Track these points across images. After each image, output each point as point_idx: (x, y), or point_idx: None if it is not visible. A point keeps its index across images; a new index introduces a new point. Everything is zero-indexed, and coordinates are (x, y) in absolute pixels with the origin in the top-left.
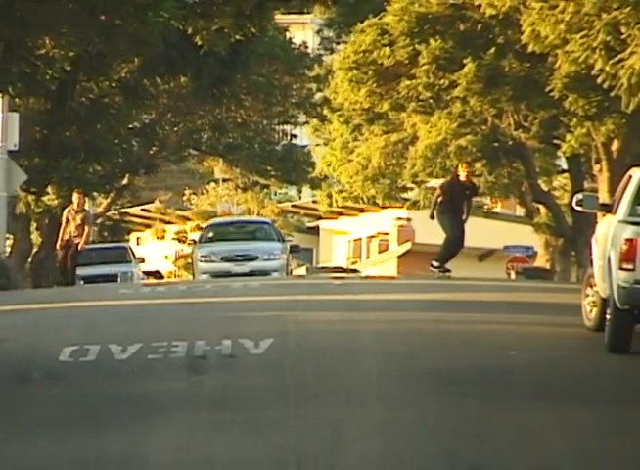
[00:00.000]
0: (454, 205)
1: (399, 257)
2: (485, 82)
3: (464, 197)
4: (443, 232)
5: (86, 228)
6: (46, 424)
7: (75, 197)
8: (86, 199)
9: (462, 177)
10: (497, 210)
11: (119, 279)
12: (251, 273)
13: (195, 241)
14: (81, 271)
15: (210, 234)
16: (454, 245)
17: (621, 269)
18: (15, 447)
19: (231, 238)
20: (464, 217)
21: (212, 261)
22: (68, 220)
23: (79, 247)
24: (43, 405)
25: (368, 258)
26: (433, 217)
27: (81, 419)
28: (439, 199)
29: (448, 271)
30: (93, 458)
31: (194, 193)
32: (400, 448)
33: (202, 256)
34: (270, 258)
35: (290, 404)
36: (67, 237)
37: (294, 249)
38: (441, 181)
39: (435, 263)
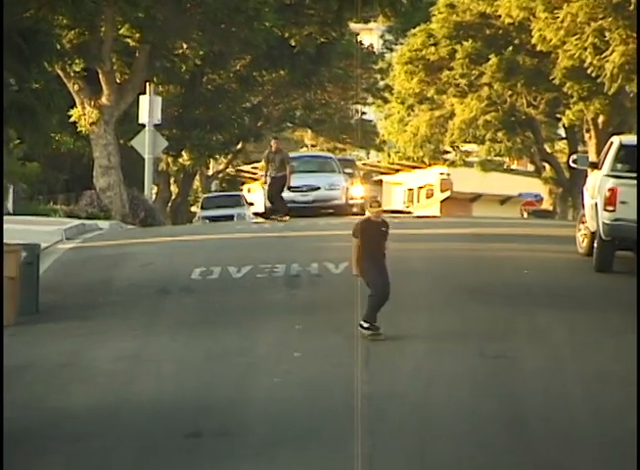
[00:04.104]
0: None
1: (441, 201)
2: (505, 72)
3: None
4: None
5: (287, 167)
6: (183, 324)
7: (273, 142)
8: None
9: (373, 217)
10: (513, 166)
11: (235, 218)
12: (314, 201)
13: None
14: (206, 213)
15: None
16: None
17: (605, 210)
18: (160, 341)
19: (298, 171)
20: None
21: None
22: (268, 161)
23: (286, 182)
24: (180, 311)
25: (418, 202)
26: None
27: (209, 321)
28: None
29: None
30: (219, 349)
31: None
32: (442, 342)
33: None
34: (331, 188)
35: (360, 311)
36: (272, 175)
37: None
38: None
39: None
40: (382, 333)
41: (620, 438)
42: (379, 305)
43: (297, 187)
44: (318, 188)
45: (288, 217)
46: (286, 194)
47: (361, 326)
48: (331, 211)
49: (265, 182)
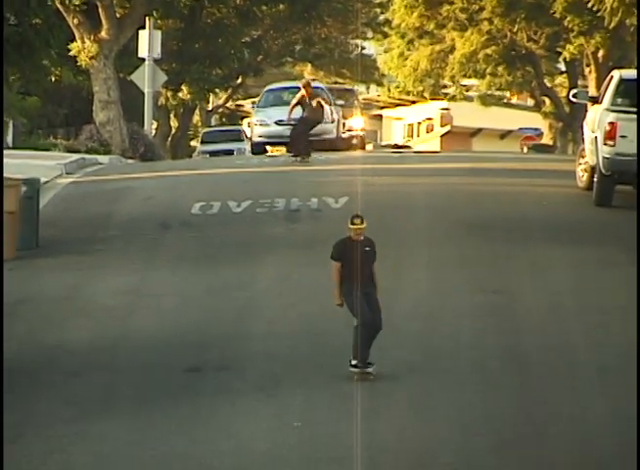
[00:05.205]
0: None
1: (441, 136)
2: (506, 7)
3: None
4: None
5: (324, 103)
6: (182, 259)
7: (303, 89)
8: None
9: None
10: (514, 101)
11: (235, 153)
12: None
13: (254, 106)
14: (206, 147)
15: (267, 99)
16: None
17: (605, 145)
18: (160, 276)
19: (286, 102)
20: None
21: (267, 125)
22: (299, 103)
23: (316, 123)
24: (179, 246)
25: (418, 136)
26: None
27: (209, 255)
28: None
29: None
30: (219, 284)
31: None
32: (442, 276)
33: (257, 119)
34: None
35: None
36: (304, 116)
37: (343, 105)
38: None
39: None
40: (372, 372)
41: (620, 370)
42: (368, 339)
43: (286, 120)
44: None
45: (308, 158)
46: (273, 128)
47: (350, 364)
48: (324, 140)
49: (288, 118)
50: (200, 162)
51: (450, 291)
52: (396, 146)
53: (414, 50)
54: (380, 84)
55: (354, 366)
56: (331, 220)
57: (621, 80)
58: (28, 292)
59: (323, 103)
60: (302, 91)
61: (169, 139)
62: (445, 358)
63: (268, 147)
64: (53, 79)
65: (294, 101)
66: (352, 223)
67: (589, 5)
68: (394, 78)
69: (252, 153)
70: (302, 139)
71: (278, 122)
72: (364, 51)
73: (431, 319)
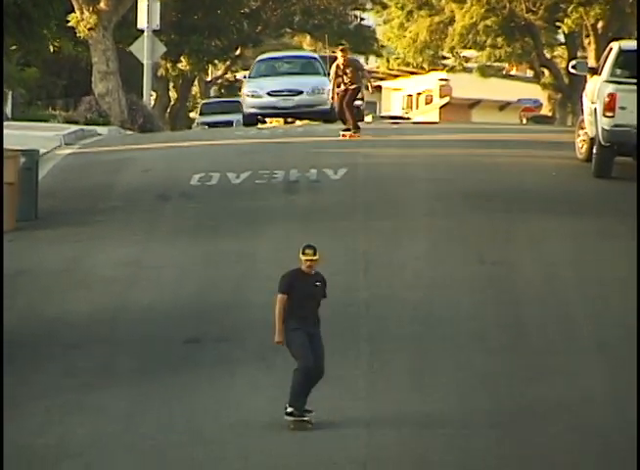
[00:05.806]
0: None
1: (440, 107)
2: None
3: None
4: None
5: (361, 74)
6: (181, 230)
7: (340, 55)
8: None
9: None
10: (513, 72)
11: (234, 124)
12: (297, 107)
13: (245, 77)
14: (205, 119)
15: (259, 69)
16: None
17: (605, 116)
18: (158, 247)
19: (279, 73)
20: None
21: (259, 96)
22: (337, 75)
23: (357, 94)
24: (179, 217)
25: (417, 108)
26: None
27: (208, 227)
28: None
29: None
30: (218, 255)
31: None
32: (441, 247)
33: (249, 90)
34: (315, 93)
35: (359, 217)
36: (341, 88)
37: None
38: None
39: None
40: (309, 420)
41: (619, 341)
42: (308, 385)
43: (278, 91)
44: (300, 92)
45: (359, 135)
46: (266, 99)
47: (285, 411)
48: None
49: (336, 98)
50: (199, 133)
51: (449, 262)
52: (395, 117)
53: (413, 21)
54: (379, 55)
55: (290, 414)
56: (330, 191)
57: (621, 51)
58: (28, 263)
59: (359, 70)
60: (340, 60)
61: (168, 110)
62: (445, 329)
63: (267, 118)
64: (52, 50)
65: (332, 73)
66: (304, 254)
67: None
68: (394, 50)
69: (244, 124)
70: (348, 112)
71: (270, 93)
72: (363, 22)
73: (430, 290)
